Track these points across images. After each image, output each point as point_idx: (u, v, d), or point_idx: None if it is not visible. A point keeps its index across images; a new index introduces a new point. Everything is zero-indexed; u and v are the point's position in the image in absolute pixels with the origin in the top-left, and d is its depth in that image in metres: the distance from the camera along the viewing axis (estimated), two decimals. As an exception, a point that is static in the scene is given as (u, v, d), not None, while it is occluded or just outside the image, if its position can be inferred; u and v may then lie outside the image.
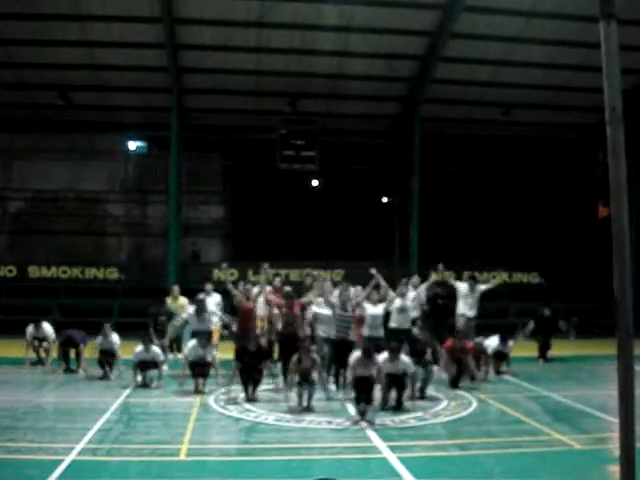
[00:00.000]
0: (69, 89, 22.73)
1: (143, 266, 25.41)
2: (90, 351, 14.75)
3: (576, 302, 24.35)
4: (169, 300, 17.07)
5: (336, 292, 14.12)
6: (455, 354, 13.64)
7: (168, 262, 23.45)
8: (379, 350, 12.02)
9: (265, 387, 13.05)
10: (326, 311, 13.72)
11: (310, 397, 11.53)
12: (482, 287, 16.73)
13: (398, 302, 14.49)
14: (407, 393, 11.86)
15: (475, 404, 12.13)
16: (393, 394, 11.52)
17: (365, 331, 13.71)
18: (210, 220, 26.70)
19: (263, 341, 13.49)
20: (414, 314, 15.35)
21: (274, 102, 23.70)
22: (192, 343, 13.37)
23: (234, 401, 12.09)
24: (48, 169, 24.84)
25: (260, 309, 15.65)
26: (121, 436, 9.66)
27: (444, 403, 12.17)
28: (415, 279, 16.47)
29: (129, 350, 14.07)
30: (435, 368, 14.56)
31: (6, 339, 18.76)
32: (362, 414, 10.64)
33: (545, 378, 15.20)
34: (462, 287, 16.67)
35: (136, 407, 11.70)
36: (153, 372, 13.55)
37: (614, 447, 4.34)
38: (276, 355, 14.56)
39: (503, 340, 15.06)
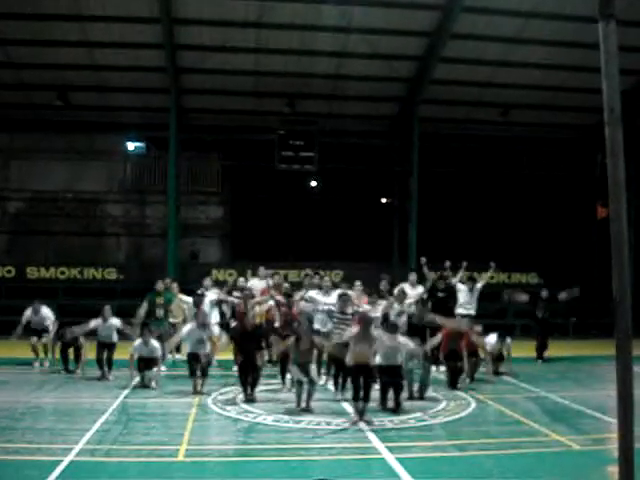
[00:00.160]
0: (68, 89, 22.72)
1: (142, 266, 25.38)
2: (91, 350, 14.73)
3: (574, 302, 24.30)
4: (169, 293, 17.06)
5: (334, 293, 14.10)
6: (452, 337, 13.63)
7: (167, 262, 23.43)
8: None
9: (264, 388, 13.06)
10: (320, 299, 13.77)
11: (309, 396, 11.52)
12: (479, 285, 16.78)
13: (397, 306, 14.51)
14: (404, 395, 11.87)
15: (474, 405, 12.13)
16: (391, 394, 11.51)
17: None
18: (209, 220, 26.69)
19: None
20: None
21: (273, 103, 23.71)
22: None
23: (232, 402, 12.09)
24: (47, 169, 24.82)
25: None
26: (120, 437, 9.65)
27: (443, 404, 12.17)
28: (413, 277, 16.48)
29: (127, 349, 14.07)
30: (433, 368, 14.64)
31: (5, 340, 18.71)
32: (361, 413, 10.64)
33: (544, 379, 15.19)
34: (462, 288, 16.68)
35: (135, 408, 11.69)
36: (151, 373, 13.52)
37: (613, 448, 4.35)
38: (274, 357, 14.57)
39: (501, 337, 15.06)
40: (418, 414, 11.26)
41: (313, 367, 11.77)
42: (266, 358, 14.28)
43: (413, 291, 16.25)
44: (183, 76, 22.74)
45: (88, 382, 13.95)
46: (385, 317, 13.84)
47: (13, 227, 25.55)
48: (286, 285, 15.33)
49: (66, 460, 8.32)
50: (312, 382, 11.58)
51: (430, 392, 12.90)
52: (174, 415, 11.19)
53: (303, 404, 11.46)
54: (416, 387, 12.56)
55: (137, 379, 13.51)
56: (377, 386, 11.51)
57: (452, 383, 13.61)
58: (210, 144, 24.88)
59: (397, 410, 11.42)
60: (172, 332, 16.33)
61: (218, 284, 17.78)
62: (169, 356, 16.52)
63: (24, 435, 9.59)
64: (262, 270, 16.70)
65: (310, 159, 23.48)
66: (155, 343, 13.66)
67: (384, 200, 27.63)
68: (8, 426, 10.13)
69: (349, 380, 11.58)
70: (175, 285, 17.27)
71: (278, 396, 12.59)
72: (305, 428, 10.31)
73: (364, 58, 21.86)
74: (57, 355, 15.27)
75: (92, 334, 14.88)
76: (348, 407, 11.43)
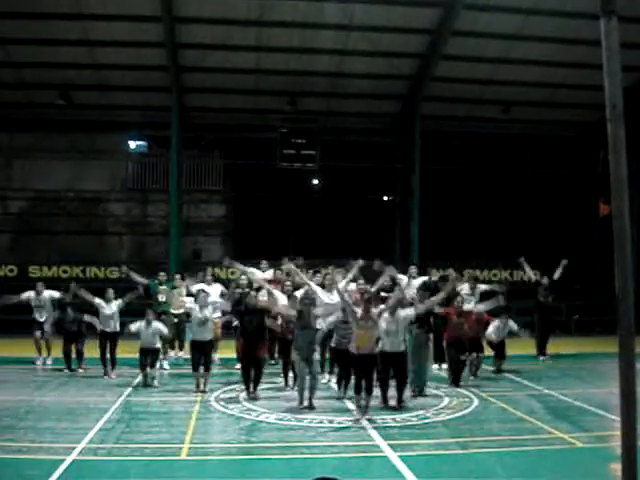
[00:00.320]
0: (69, 88, 22.70)
1: (144, 265, 25.36)
2: (93, 347, 14.75)
3: (577, 300, 24.33)
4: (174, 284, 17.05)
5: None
6: (456, 324, 13.63)
7: (169, 261, 23.42)
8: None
9: (266, 386, 13.07)
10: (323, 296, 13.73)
11: (312, 392, 11.53)
12: (482, 287, 16.72)
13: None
14: (407, 393, 11.88)
15: (476, 402, 12.13)
16: (392, 392, 11.52)
17: None
18: (211, 219, 26.68)
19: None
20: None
21: (274, 101, 23.69)
22: (140, 322, 13.48)
23: (235, 400, 12.09)
24: (49, 168, 24.79)
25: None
26: (122, 435, 9.67)
27: (445, 401, 12.17)
28: (413, 270, 16.46)
29: (128, 350, 14.10)
30: (434, 366, 14.65)
31: (7, 338, 18.76)
32: (364, 408, 10.65)
33: (546, 376, 15.18)
34: (464, 287, 16.60)
35: (137, 406, 11.70)
36: (154, 371, 13.53)
37: (616, 445, 4.34)
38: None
39: (502, 320, 15.08)
40: (421, 412, 11.27)
41: (316, 357, 11.78)
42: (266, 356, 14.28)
43: (413, 283, 16.25)
44: (184, 74, 22.72)
45: (91, 381, 13.96)
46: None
47: (15, 226, 25.53)
48: (288, 283, 15.28)
49: (68, 459, 8.33)
50: (314, 376, 11.59)
51: (432, 390, 12.91)
52: (177, 413, 11.21)
53: (305, 402, 11.47)
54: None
55: (140, 377, 13.52)
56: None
57: (455, 381, 13.58)
58: (212, 142, 24.87)
59: (399, 407, 11.44)
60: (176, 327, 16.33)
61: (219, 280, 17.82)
62: (172, 354, 16.53)
63: (26, 434, 9.61)
64: (264, 263, 16.76)
65: (312, 157, 23.47)
66: (158, 324, 13.66)
67: (386, 198, 27.61)
68: (10, 425, 10.14)
69: (352, 379, 11.57)
70: (178, 277, 17.27)
71: (281, 394, 12.59)
72: (308, 426, 10.32)
73: (365, 56, 21.82)
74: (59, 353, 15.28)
75: (93, 329, 14.91)
76: (351, 405, 11.43)
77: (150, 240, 26.29)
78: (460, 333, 13.69)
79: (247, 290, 14.95)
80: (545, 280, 18.19)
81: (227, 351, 15.60)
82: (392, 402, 11.54)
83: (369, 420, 10.45)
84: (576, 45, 20.86)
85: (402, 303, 12.11)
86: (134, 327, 13.49)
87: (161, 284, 16.48)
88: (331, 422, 10.55)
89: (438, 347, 14.79)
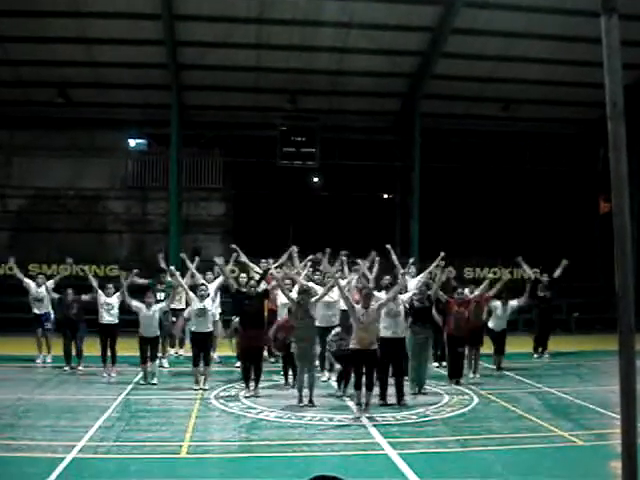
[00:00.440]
0: (68, 86, 22.69)
1: (144, 263, 25.35)
2: (92, 345, 14.75)
3: (577, 297, 24.33)
4: (169, 279, 17.05)
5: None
6: (457, 317, 13.64)
7: (169, 259, 23.39)
8: None
9: (266, 384, 13.07)
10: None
11: (311, 390, 11.53)
12: (513, 303, 16.50)
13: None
14: (407, 390, 11.88)
15: (476, 400, 12.14)
16: (391, 390, 11.53)
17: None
18: (211, 217, 26.65)
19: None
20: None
21: (274, 98, 23.67)
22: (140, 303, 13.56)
23: (235, 398, 12.10)
24: (48, 166, 24.76)
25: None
26: (122, 434, 9.67)
27: (445, 399, 12.18)
28: (412, 268, 16.48)
29: (130, 347, 14.09)
30: (434, 364, 14.65)
31: (7, 337, 18.76)
32: (364, 404, 10.65)
33: (546, 374, 15.20)
34: (497, 306, 16.45)
35: (137, 404, 11.71)
36: (154, 366, 13.55)
37: (616, 443, 4.33)
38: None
39: (503, 301, 15.12)
40: (420, 410, 11.28)
41: (316, 350, 11.77)
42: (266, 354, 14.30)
43: (414, 281, 16.27)
44: (184, 72, 22.70)
45: (90, 379, 13.96)
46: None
47: (15, 224, 25.51)
48: (287, 282, 15.26)
49: (69, 457, 8.33)
50: (313, 374, 11.60)
51: (432, 387, 12.91)
52: (177, 411, 11.21)
53: (305, 399, 11.47)
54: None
55: (140, 375, 13.53)
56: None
57: (454, 373, 13.56)
58: (212, 140, 24.84)
59: (400, 402, 11.45)
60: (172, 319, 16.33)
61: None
62: (172, 352, 16.56)
63: (26, 432, 9.61)
64: (263, 262, 16.76)
65: (312, 155, 23.46)
66: (158, 305, 13.68)
67: (386, 195, 27.59)
68: (10, 423, 10.15)
69: (352, 377, 11.57)
70: (177, 273, 17.27)
71: (281, 392, 12.59)
72: (308, 424, 10.33)
73: (365, 53, 21.79)
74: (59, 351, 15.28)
75: (93, 327, 14.92)
76: (351, 403, 11.43)
77: (150, 238, 26.24)
78: (460, 325, 13.67)
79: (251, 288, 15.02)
80: (545, 277, 18.14)
81: (226, 349, 15.61)
82: (392, 400, 11.55)
83: (369, 418, 10.46)
84: (576, 43, 20.85)
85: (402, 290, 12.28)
86: (135, 303, 13.49)
87: (161, 284, 16.48)
88: (331, 420, 10.55)
89: (438, 346, 14.81)
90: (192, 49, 21.68)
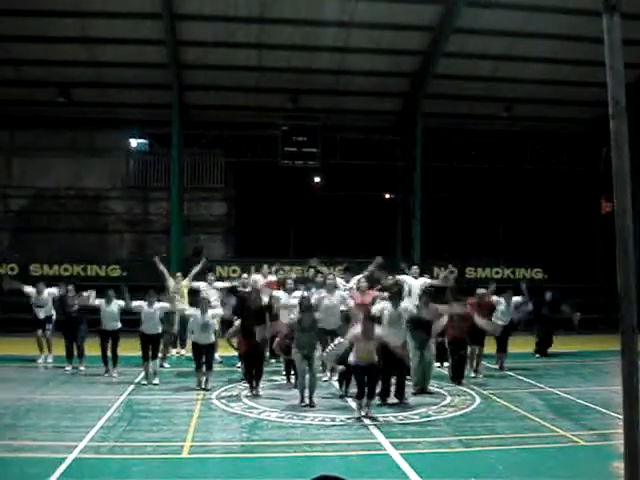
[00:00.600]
0: (69, 86, 22.70)
1: (145, 263, 25.36)
2: (94, 346, 14.74)
3: (579, 297, 24.29)
4: (171, 282, 17.08)
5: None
6: (457, 323, 13.61)
7: (170, 259, 23.42)
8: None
9: (268, 384, 13.06)
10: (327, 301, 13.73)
11: (312, 391, 11.52)
12: (517, 299, 16.43)
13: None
14: (408, 390, 11.87)
15: (478, 400, 12.12)
16: (393, 388, 11.51)
17: None
18: (212, 217, 26.66)
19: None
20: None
21: (276, 98, 23.68)
22: (142, 302, 13.54)
23: (237, 398, 12.09)
24: (49, 166, 24.78)
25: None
26: (124, 434, 9.66)
27: (447, 399, 12.16)
28: (414, 269, 16.48)
29: (130, 348, 14.09)
30: (437, 364, 14.63)
31: (8, 337, 18.77)
32: (365, 407, 10.63)
33: (549, 374, 15.18)
34: (500, 301, 16.41)
35: (139, 404, 11.70)
36: (155, 364, 13.54)
37: (618, 443, 4.32)
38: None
39: (506, 296, 15.08)
40: (423, 409, 11.26)
41: (317, 354, 11.75)
42: (268, 354, 14.30)
43: (416, 282, 16.28)
44: (185, 72, 22.71)
45: (92, 379, 13.95)
46: None
47: (16, 224, 25.53)
48: (289, 282, 15.28)
49: (70, 457, 8.32)
50: (314, 374, 11.58)
51: (434, 387, 12.90)
52: (178, 412, 11.19)
53: (306, 400, 11.46)
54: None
55: (141, 375, 13.52)
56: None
57: (457, 375, 13.57)
58: (213, 140, 24.82)
59: (401, 400, 11.43)
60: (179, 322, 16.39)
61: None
62: (173, 352, 16.57)
63: (28, 432, 9.60)
64: (265, 268, 16.74)
65: (313, 155, 23.43)
66: (160, 303, 13.67)
67: (387, 195, 27.58)
68: (12, 423, 10.14)
69: (353, 377, 11.54)
70: (179, 274, 17.34)
71: (282, 392, 12.58)
72: (309, 424, 10.31)
73: (367, 53, 21.79)
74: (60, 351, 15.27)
75: (93, 326, 14.92)
76: (353, 403, 11.40)
77: (151, 238, 26.27)
78: (461, 331, 13.65)
79: (248, 289, 15.02)
80: (548, 295, 17.94)
81: (228, 350, 15.59)
82: (392, 400, 11.54)
83: (371, 418, 10.44)
84: (578, 42, 20.84)
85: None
86: (136, 303, 13.50)
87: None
88: (333, 420, 10.54)
89: (439, 346, 14.79)
90: (193, 49, 21.69)
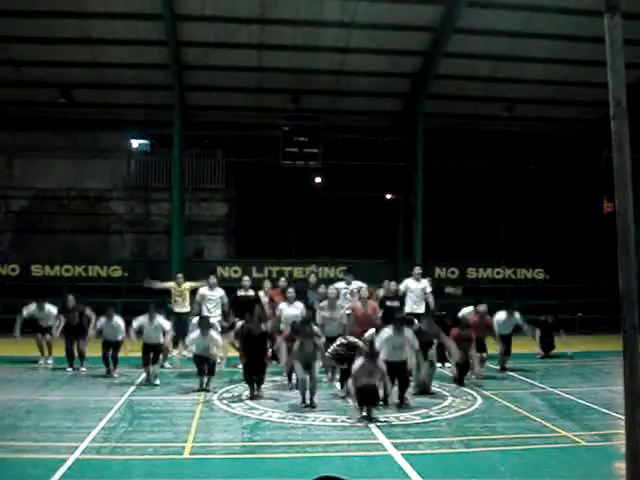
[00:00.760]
0: (70, 87, 22.70)
1: (147, 264, 25.41)
2: (96, 347, 14.74)
3: (581, 298, 24.31)
4: (172, 284, 17.11)
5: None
6: (461, 345, 13.60)
7: (172, 259, 23.45)
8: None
9: (269, 385, 13.05)
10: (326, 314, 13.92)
11: (312, 393, 11.52)
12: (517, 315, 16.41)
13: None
14: (410, 390, 11.85)
15: (480, 401, 12.11)
16: (395, 388, 11.49)
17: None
18: (213, 217, 26.68)
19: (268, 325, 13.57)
20: (422, 307, 16.06)
21: (277, 99, 23.68)
22: (142, 317, 13.55)
23: (238, 399, 12.09)
24: (50, 167, 24.80)
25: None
26: (125, 434, 9.66)
27: (449, 400, 12.15)
28: (417, 270, 16.53)
29: (133, 348, 14.07)
30: (439, 364, 14.62)
31: (10, 338, 18.75)
32: (366, 413, 10.60)
33: (550, 374, 15.18)
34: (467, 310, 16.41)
35: (140, 405, 11.70)
36: (156, 367, 13.54)
37: (620, 444, 4.32)
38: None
39: (509, 313, 15.07)
40: (424, 410, 11.25)
41: (317, 364, 11.75)
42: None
43: (418, 285, 16.33)
44: (186, 72, 22.70)
45: (93, 380, 13.96)
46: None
47: (17, 225, 25.55)
48: (290, 290, 15.35)
49: (71, 458, 8.32)
50: (314, 379, 11.57)
51: (436, 388, 12.89)
52: (180, 412, 11.20)
53: (308, 401, 11.46)
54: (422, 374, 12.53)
55: (143, 375, 13.51)
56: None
57: (459, 379, 13.57)
58: (214, 141, 24.81)
59: (401, 405, 11.41)
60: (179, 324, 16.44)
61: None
62: (174, 352, 16.55)
63: (29, 433, 9.61)
64: (267, 283, 16.81)
65: (314, 155, 23.41)
66: (161, 319, 13.65)
67: (389, 196, 27.57)
68: (13, 424, 10.15)
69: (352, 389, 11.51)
70: (180, 275, 17.37)
71: (284, 393, 12.57)
72: (311, 425, 10.31)
73: (368, 53, 21.76)
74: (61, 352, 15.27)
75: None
76: (352, 402, 11.39)
77: (152, 239, 26.29)
78: (465, 348, 13.66)
79: (250, 293, 15.20)
80: (550, 319, 17.83)
81: (229, 350, 15.57)
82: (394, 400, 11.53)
83: (372, 419, 10.43)
84: (579, 42, 20.83)
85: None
86: (136, 324, 13.50)
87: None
88: (334, 421, 10.54)
89: (440, 347, 14.80)
90: (194, 49, 21.69)
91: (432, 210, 24.43)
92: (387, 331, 11.61)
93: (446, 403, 11.89)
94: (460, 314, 16.04)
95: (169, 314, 16.58)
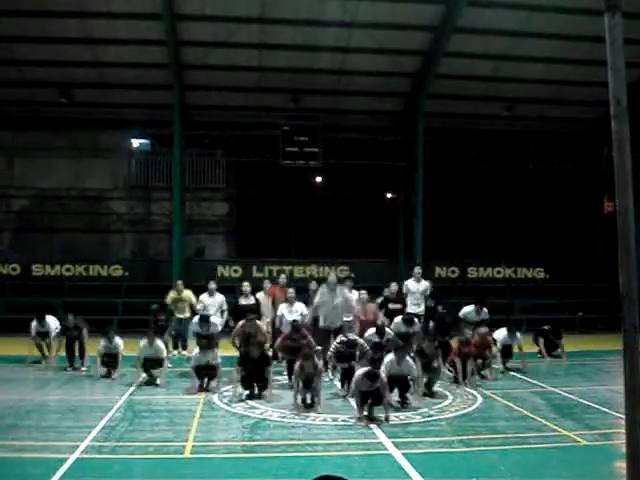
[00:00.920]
0: (71, 86, 22.70)
1: (147, 263, 25.43)
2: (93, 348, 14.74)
3: (581, 297, 24.32)
4: (173, 294, 17.14)
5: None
6: (461, 358, 13.62)
7: (172, 259, 23.46)
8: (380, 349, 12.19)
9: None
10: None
11: (313, 397, 11.50)
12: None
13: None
14: (411, 390, 11.84)
15: (480, 400, 12.11)
16: (396, 390, 11.48)
17: None
18: (214, 217, 26.69)
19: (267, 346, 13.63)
20: (422, 307, 16.11)
21: (277, 98, 23.67)
22: (143, 342, 13.39)
23: (239, 398, 12.07)
24: (50, 167, 24.81)
25: (265, 308, 15.82)
26: (126, 434, 9.66)
27: (449, 399, 12.15)
28: (418, 270, 16.56)
29: (133, 348, 14.06)
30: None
31: (10, 337, 18.77)
32: (367, 412, 10.59)
33: (551, 374, 15.19)
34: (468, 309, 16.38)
35: (140, 405, 11.69)
36: (157, 371, 13.53)
37: (620, 443, 4.32)
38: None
39: (511, 332, 15.04)
40: (424, 409, 11.25)
41: (319, 380, 11.66)
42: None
43: (418, 286, 16.34)
44: (187, 72, 22.69)
45: (93, 379, 13.93)
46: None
47: (17, 224, 25.56)
48: (290, 290, 15.40)
49: (72, 458, 8.33)
50: (317, 392, 11.54)
51: (436, 387, 12.89)
52: (180, 412, 11.19)
53: (308, 400, 11.46)
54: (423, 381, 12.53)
55: (143, 375, 13.51)
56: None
57: (458, 380, 13.57)
58: (214, 140, 24.81)
59: (403, 405, 11.41)
60: (179, 327, 16.52)
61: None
62: (175, 352, 16.59)
63: (30, 433, 9.61)
64: (267, 283, 16.85)
65: (314, 155, 23.40)
66: (160, 344, 13.62)
67: (389, 195, 27.58)
68: (14, 424, 10.15)
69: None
70: (180, 282, 17.42)
71: (284, 392, 12.56)
72: (311, 424, 10.31)
73: (368, 53, 21.75)
74: (62, 351, 15.24)
75: (94, 325, 14.96)
76: (354, 403, 11.39)
77: (153, 238, 26.30)
78: (465, 358, 13.68)
79: (251, 301, 15.26)
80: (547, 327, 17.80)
81: (229, 350, 15.57)
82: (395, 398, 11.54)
83: (373, 418, 10.42)
84: (580, 42, 20.81)
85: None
86: (139, 353, 13.37)
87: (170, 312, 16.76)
88: (335, 420, 10.54)
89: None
90: (194, 49, 21.68)
91: (432, 210, 24.42)
92: (390, 357, 11.57)
93: (446, 402, 11.89)
94: (461, 313, 16.11)
95: (170, 314, 16.65)
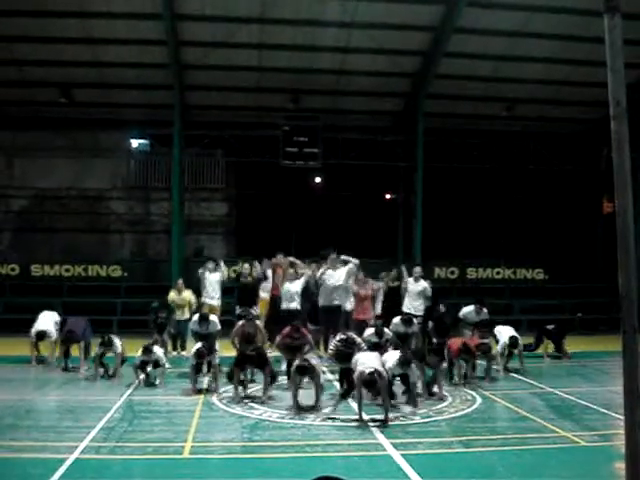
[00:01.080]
0: (71, 86, 22.70)
1: (146, 263, 25.43)
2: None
3: (581, 298, 24.31)
4: (173, 293, 17.14)
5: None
6: (462, 357, 13.61)
7: (171, 259, 23.46)
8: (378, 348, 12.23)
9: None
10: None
11: (318, 398, 11.45)
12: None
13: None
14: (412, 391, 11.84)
15: (479, 401, 12.11)
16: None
17: None
18: (213, 217, 26.69)
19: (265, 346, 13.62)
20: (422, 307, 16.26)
21: (277, 98, 23.68)
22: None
23: (238, 398, 12.06)
24: (50, 167, 24.80)
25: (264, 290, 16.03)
26: (125, 434, 9.65)
27: (448, 400, 12.14)
28: (417, 270, 16.58)
29: (132, 348, 14.06)
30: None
31: (9, 337, 18.77)
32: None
33: (550, 374, 15.18)
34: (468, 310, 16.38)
35: (140, 405, 11.68)
36: (156, 371, 13.52)
37: (620, 444, 4.32)
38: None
39: (513, 340, 14.89)
40: (423, 410, 11.24)
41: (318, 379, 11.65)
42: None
43: (416, 286, 16.37)
44: (186, 72, 22.70)
45: (92, 380, 13.92)
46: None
47: (17, 224, 25.55)
48: (291, 271, 15.63)
49: (71, 458, 8.32)
50: (321, 387, 11.53)
51: (435, 388, 12.87)
52: (179, 412, 11.18)
53: (309, 401, 11.44)
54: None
55: (142, 376, 13.50)
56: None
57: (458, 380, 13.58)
58: (214, 140, 24.81)
59: (409, 403, 11.38)
60: (178, 327, 16.53)
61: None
62: (174, 353, 16.59)
63: (29, 433, 9.60)
64: (266, 262, 17.01)
65: (314, 155, 23.40)
66: (159, 352, 13.58)
67: (389, 196, 27.58)
68: (13, 424, 10.14)
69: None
70: (180, 281, 17.43)
71: (283, 393, 12.55)
72: (310, 425, 10.31)
73: (368, 53, 21.76)
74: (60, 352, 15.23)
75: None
76: (353, 404, 11.39)
77: (152, 238, 26.30)
78: (465, 357, 13.67)
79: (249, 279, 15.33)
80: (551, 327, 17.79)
81: (228, 351, 15.56)
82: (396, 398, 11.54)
83: (372, 419, 10.42)
84: (579, 42, 20.82)
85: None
86: (138, 361, 13.36)
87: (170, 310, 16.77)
88: (334, 420, 10.53)
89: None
90: (194, 49, 21.69)
91: (432, 210, 24.41)
92: (393, 362, 11.57)
93: (446, 403, 11.88)
94: (460, 314, 16.11)
95: (171, 312, 16.68)
